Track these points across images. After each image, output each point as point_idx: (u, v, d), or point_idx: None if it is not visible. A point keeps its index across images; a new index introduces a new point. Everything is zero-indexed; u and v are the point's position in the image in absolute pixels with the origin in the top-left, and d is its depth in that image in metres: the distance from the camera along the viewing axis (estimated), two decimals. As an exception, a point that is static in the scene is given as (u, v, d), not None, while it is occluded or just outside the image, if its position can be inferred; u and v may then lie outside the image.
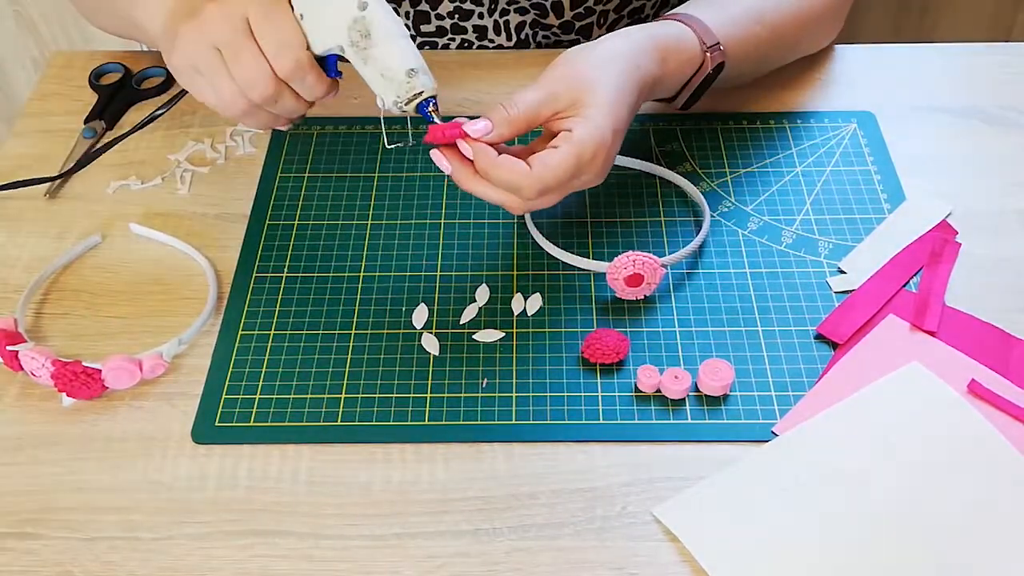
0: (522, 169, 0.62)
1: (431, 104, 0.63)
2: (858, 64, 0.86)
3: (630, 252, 0.66)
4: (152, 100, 0.85)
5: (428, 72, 0.63)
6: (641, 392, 0.63)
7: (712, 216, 0.74)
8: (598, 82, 0.64)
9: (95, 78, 0.87)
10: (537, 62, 0.87)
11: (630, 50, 0.67)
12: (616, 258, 0.66)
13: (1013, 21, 1.51)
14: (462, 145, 0.63)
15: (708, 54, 0.71)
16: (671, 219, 0.74)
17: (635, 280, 0.67)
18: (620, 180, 0.77)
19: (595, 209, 0.75)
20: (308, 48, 0.64)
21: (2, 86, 1.76)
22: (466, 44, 0.91)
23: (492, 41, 0.91)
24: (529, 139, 0.69)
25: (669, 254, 0.70)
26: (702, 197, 0.74)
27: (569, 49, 0.66)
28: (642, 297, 0.68)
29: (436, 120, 0.63)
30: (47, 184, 0.77)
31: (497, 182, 0.62)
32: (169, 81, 0.86)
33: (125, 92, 0.85)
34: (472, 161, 0.63)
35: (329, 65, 0.66)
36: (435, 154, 0.64)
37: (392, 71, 0.63)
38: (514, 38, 0.91)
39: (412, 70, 0.63)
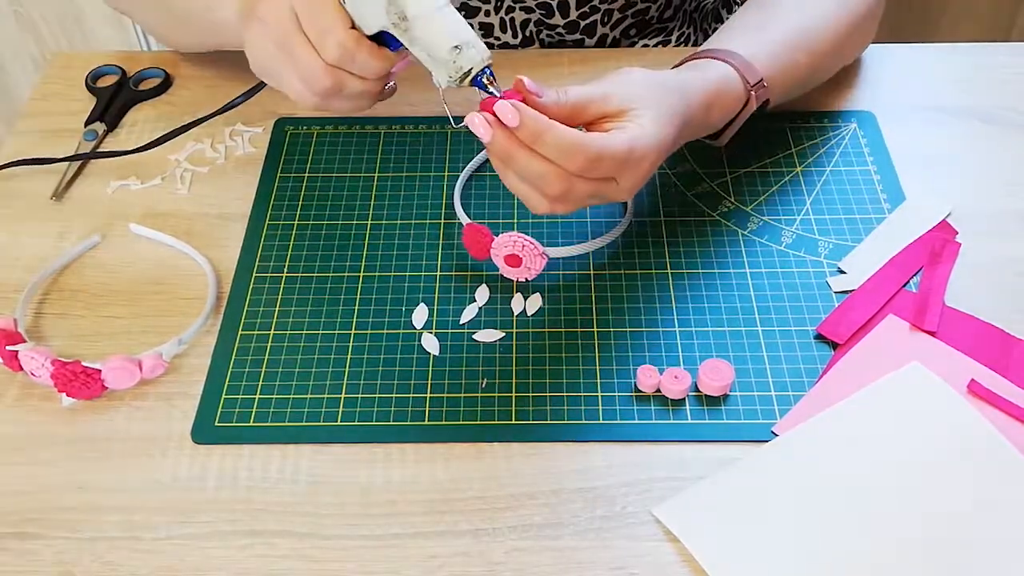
0: (576, 134, 0.58)
1: (486, 75, 0.60)
2: (858, 64, 0.86)
3: (514, 233, 0.67)
4: (152, 100, 0.85)
5: (476, 43, 0.60)
6: (641, 392, 0.63)
7: (712, 216, 0.74)
8: (652, 101, 0.62)
9: (92, 80, 0.87)
10: (535, 63, 0.87)
11: (682, 89, 0.65)
12: (500, 235, 0.67)
13: (1013, 21, 1.51)
14: (506, 110, 0.57)
15: (753, 92, 0.70)
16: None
17: (514, 261, 0.68)
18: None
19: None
20: (355, 28, 0.62)
21: (2, 86, 1.76)
22: None
23: (498, 39, 0.91)
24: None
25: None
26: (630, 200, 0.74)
27: (623, 69, 0.65)
28: (523, 279, 0.69)
29: (493, 91, 0.60)
30: (52, 185, 0.78)
31: (550, 142, 0.57)
32: (168, 81, 0.87)
33: (124, 94, 0.85)
34: (514, 133, 0.58)
35: (389, 40, 0.63)
36: (474, 117, 0.59)
37: (437, 50, 0.60)
38: (519, 35, 0.91)
39: (456, 47, 0.59)
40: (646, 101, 0.62)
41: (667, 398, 0.63)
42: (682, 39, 0.97)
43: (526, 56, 0.88)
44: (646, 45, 0.94)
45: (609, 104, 0.61)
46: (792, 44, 0.74)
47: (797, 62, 0.74)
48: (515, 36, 0.91)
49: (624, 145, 0.59)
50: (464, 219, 0.72)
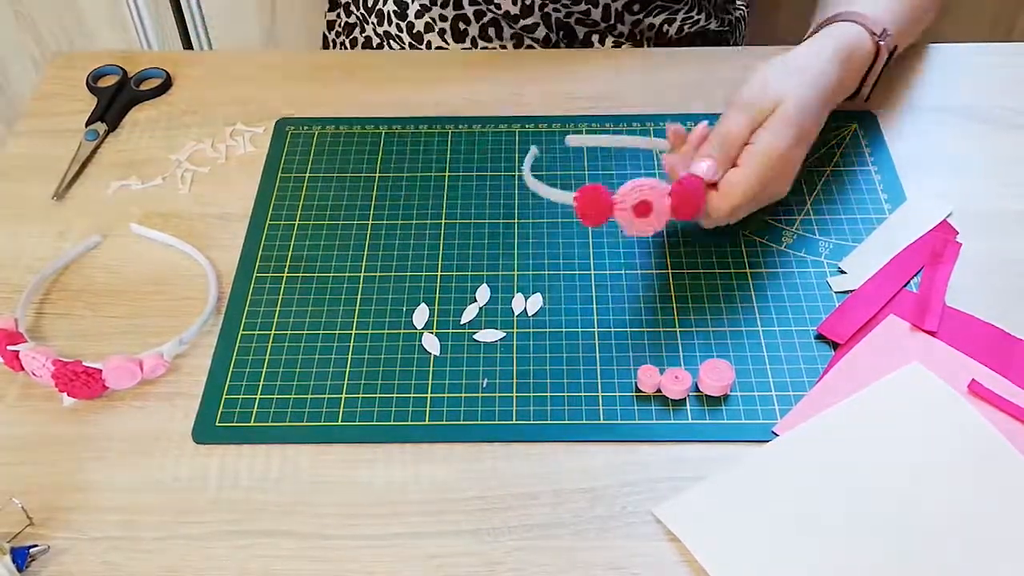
0: (711, 200, 0.66)
1: None
2: (858, 64, 0.86)
3: (634, 180, 0.62)
4: (153, 100, 0.85)
5: None
6: (641, 392, 0.63)
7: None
8: (786, 94, 0.67)
9: (93, 80, 0.87)
10: (535, 62, 0.87)
11: (817, 59, 0.71)
12: (619, 188, 0.63)
13: (1013, 21, 1.51)
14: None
15: (881, 43, 0.74)
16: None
17: (643, 208, 0.63)
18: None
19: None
20: None
21: (2, 86, 1.76)
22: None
23: (499, 6, 0.90)
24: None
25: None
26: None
27: (764, 65, 0.70)
28: (651, 233, 0.64)
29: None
30: (53, 185, 0.78)
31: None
32: (169, 81, 0.87)
33: (125, 93, 0.85)
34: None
35: None
36: None
37: None
38: (519, 2, 0.90)
39: None
40: (783, 96, 0.67)
41: (667, 398, 0.63)
42: (688, 21, 0.95)
43: (521, 59, 0.88)
44: (652, 25, 0.93)
45: (756, 123, 0.67)
46: None
47: (912, 6, 0.79)
48: (515, 3, 0.90)
49: (753, 177, 0.65)
50: (553, 194, 0.65)
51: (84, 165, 0.80)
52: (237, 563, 0.56)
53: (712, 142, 0.66)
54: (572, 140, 0.75)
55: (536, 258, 0.72)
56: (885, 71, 0.77)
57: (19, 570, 0.55)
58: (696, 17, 0.96)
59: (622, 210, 0.63)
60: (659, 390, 0.63)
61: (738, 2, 1.01)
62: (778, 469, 0.59)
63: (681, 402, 0.63)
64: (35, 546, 0.56)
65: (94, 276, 0.72)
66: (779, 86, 0.68)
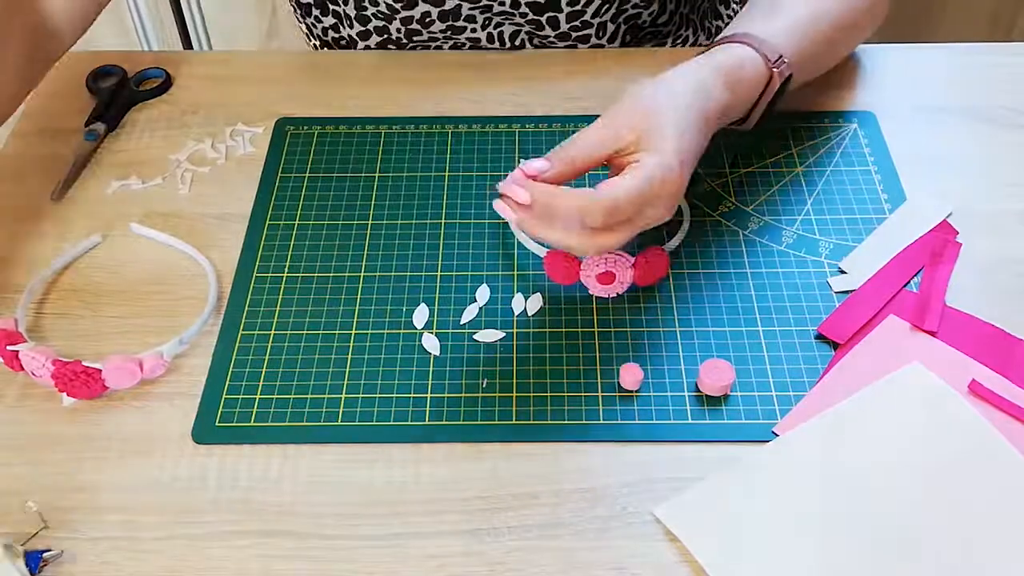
0: (587, 193, 0.58)
1: None
2: (858, 64, 0.86)
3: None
4: (153, 100, 0.85)
5: None
6: (626, 391, 0.63)
7: (712, 216, 0.74)
8: (665, 116, 0.61)
9: (93, 80, 0.87)
10: (535, 63, 0.87)
11: (697, 83, 0.65)
12: (587, 258, 0.66)
13: (1013, 21, 1.51)
14: (517, 191, 0.59)
15: (775, 70, 0.69)
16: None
17: (607, 278, 0.66)
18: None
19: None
20: None
21: (2, 86, 1.76)
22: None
23: (486, 49, 0.91)
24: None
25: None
26: (684, 202, 0.74)
27: (634, 85, 0.64)
28: (615, 295, 0.68)
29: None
30: (53, 185, 0.78)
31: (563, 211, 0.59)
32: (169, 81, 0.87)
33: (125, 93, 0.85)
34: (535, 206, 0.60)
35: None
36: (498, 204, 0.61)
37: None
38: (507, 44, 0.91)
39: None
40: (662, 118, 0.61)
41: (667, 397, 0.63)
42: (679, 41, 0.96)
43: (520, 59, 0.88)
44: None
45: (623, 140, 0.61)
46: (807, 19, 0.73)
47: (815, 35, 0.73)
48: (503, 45, 0.91)
49: (639, 184, 0.59)
50: (538, 250, 0.70)
51: (84, 165, 0.80)
52: (237, 563, 0.56)
53: (562, 146, 0.61)
54: None
55: (536, 258, 0.72)
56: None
57: (31, 574, 0.55)
58: (684, 33, 0.96)
59: (587, 277, 0.67)
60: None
61: (725, 13, 1.02)
62: (778, 469, 0.59)
63: (681, 401, 0.63)
64: (48, 551, 0.56)
65: (94, 276, 0.72)
66: (655, 108, 0.62)
